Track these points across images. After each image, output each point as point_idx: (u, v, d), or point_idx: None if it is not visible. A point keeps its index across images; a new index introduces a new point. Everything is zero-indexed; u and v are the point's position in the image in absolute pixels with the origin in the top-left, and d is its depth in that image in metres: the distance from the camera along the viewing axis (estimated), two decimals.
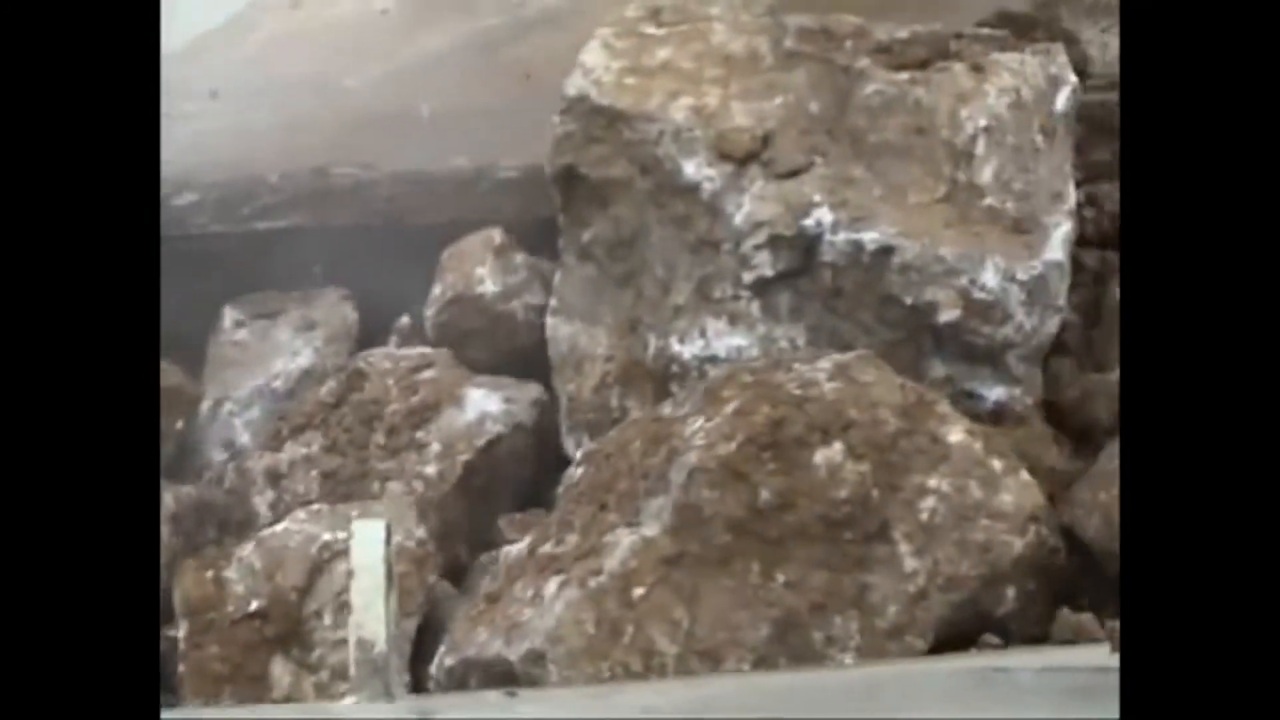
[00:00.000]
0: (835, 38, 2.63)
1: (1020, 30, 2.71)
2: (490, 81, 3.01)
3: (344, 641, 2.09)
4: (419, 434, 2.68)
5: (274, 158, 2.79)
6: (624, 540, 2.20)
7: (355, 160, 2.77)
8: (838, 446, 2.18)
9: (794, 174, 2.52)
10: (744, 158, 2.52)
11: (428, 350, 2.80)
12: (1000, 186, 2.52)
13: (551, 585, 2.21)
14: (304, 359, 2.86)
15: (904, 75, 2.57)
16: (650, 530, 2.20)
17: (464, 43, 3.12)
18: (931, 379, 2.51)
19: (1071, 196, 2.55)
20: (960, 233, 2.49)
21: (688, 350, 2.55)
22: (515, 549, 2.42)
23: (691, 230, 2.53)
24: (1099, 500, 2.34)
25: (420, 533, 2.48)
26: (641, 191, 2.56)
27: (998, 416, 2.52)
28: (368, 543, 1.78)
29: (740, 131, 2.52)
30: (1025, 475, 2.27)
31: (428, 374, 2.75)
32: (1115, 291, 2.64)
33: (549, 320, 2.71)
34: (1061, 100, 2.60)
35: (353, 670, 1.70)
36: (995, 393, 2.52)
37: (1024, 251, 2.48)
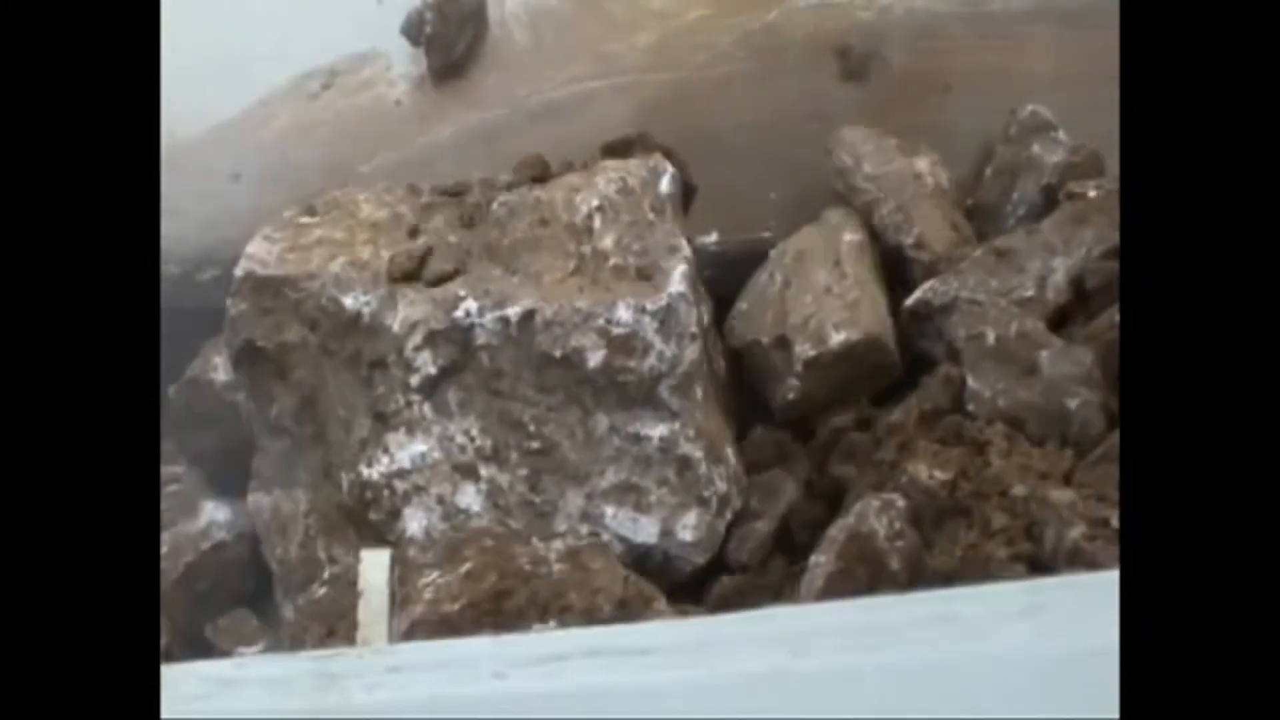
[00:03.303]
0: (466, 189, 2.94)
1: (621, 152, 3.00)
2: (493, 168, 3.09)
3: None
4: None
5: None
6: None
7: None
8: (551, 626, 2.29)
9: (441, 281, 2.75)
10: (403, 277, 2.74)
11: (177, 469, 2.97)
12: (621, 249, 2.78)
13: None
14: None
15: (524, 187, 2.88)
16: None
17: (470, 132, 3.30)
18: (598, 435, 2.70)
19: (685, 247, 2.80)
20: (592, 289, 2.72)
21: (375, 472, 2.70)
22: (247, 650, 2.56)
23: (361, 363, 2.73)
24: None
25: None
26: (314, 346, 2.76)
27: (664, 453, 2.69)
28: (375, 568, 2.05)
29: (399, 256, 2.76)
30: None
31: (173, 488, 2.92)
32: None
33: (250, 499, 2.87)
34: (665, 184, 2.91)
35: None
36: (658, 430, 2.70)
37: (650, 290, 2.72)
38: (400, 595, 2.35)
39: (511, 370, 2.70)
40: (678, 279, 2.74)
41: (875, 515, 2.45)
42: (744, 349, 2.94)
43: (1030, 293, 2.75)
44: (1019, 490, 2.41)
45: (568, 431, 2.70)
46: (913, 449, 2.59)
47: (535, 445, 2.71)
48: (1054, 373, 2.58)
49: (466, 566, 2.38)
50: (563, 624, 2.28)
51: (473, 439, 2.70)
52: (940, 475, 2.48)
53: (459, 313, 2.69)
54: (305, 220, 2.91)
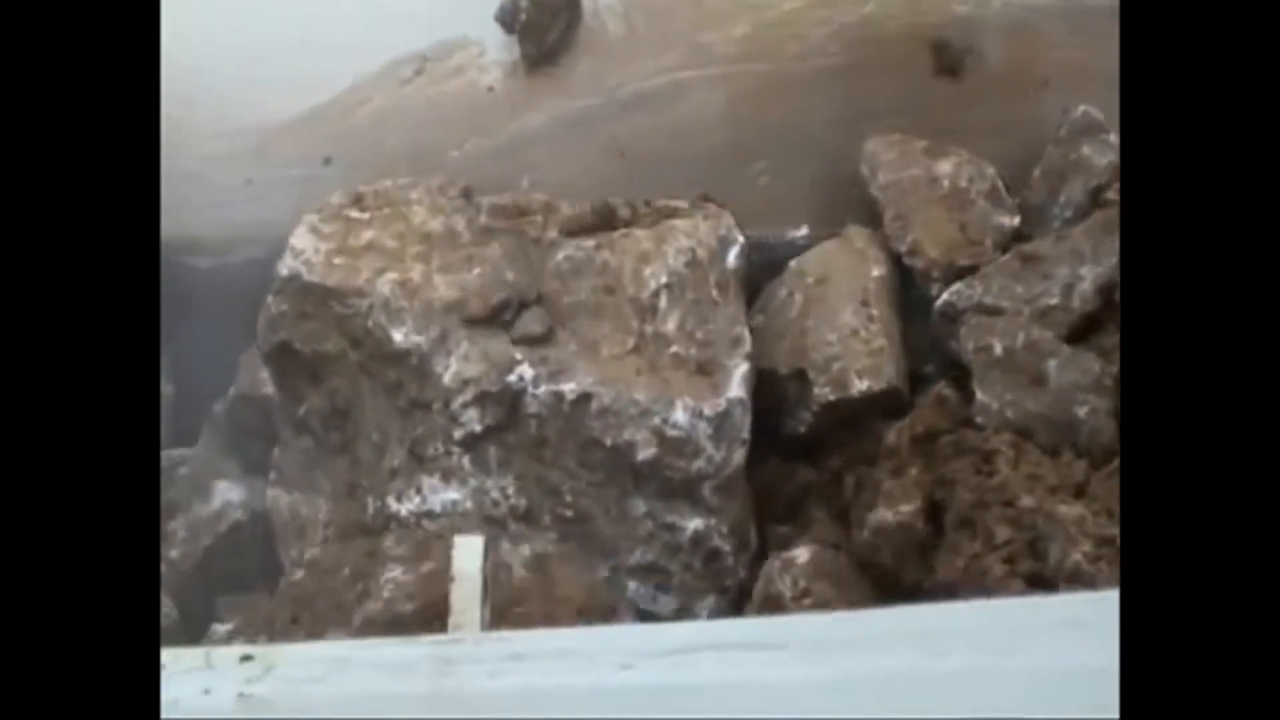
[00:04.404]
0: (526, 213, 2.84)
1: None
2: (585, 158, 3.15)
3: None
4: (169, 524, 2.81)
5: None
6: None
7: None
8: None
9: (496, 320, 2.69)
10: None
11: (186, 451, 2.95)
12: (684, 335, 2.71)
13: None
14: None
15: (590, 242, 2.78)
16: None
17: (563, 121, 3.25)
18: (633, 516, 2.66)
19: (747, 339, 2.73)
20: (651, 379, 2.65)
21: (405, 508, 2.66)
22: (218, 629, 2.50)
23: (403, 395, 2.66)
24: None
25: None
26: (354, 363, 2.69)
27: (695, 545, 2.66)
28: (468, 555, 1.95)
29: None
30: None
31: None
32: None
33: (269, 493, 2.83)
34: (732, 257, 2.83)
35: None
36: (693, 523, 2.66)
37: (709, 390, 2.65)
38: (362, 587, 2.34)
39: (556, 442, 2.65)
40: (737, 382, 2.68)
41: (779, 575, 2.50)
42: (759, 373, 2.85)
43: (1055, 300, 2.72)
44: (1026, 502, 2.41)
45: (604, 508, 2.67)
46: (877, 489, 2.59)
47: (569, 514, 2.67)
48: (1062, 381, 2.58)
49: (428, 567, 2.35)
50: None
51: (507, 497, 2.67)
52: (906, 509, 2.50)
53: (512, 376, 2.64)
54: (355, 215, 2.83)
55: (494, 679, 1.62)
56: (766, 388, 2.82)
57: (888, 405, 2.76)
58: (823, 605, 2.44)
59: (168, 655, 1.60)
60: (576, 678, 1.63)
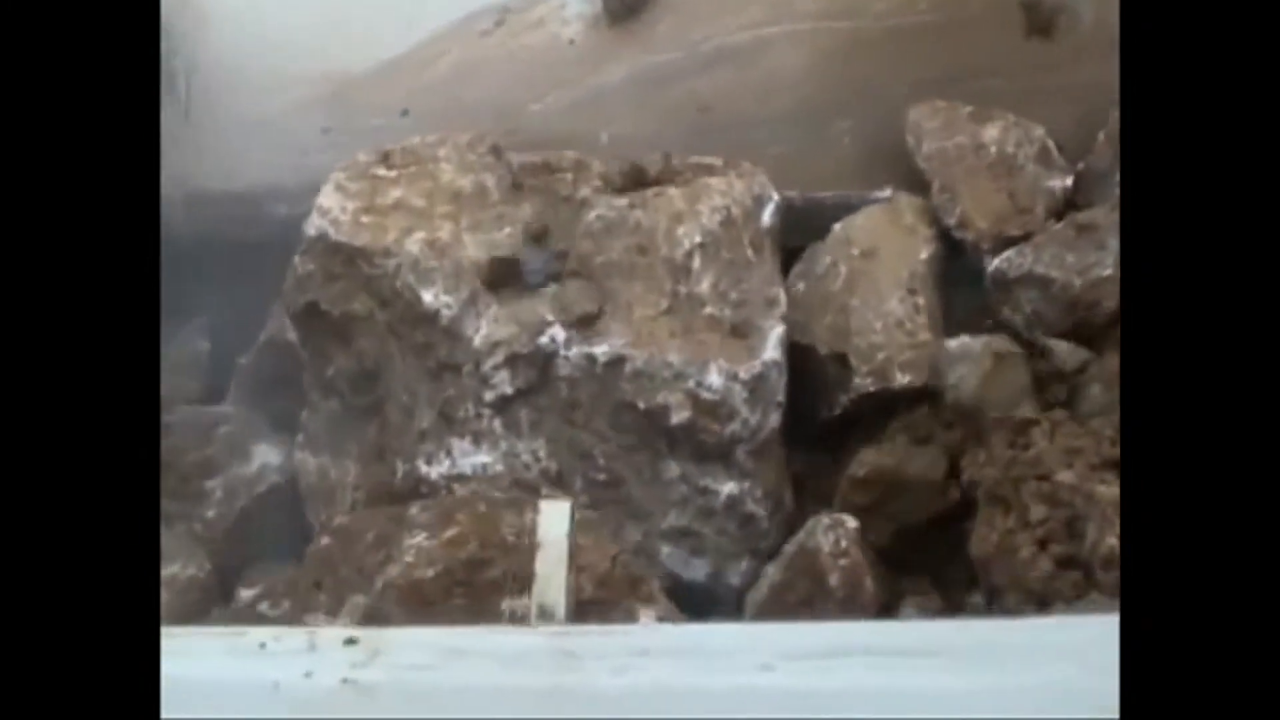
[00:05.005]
0: (556, 170, 2.78)
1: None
2: (667, 112, 3.13)
3: None
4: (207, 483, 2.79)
5: None
6: (317, 625, 2.22)
7: None
8: (526, 600, 2.12)
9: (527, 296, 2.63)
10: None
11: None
12: (718, 296, 2.63)
13: None
14: None
15: (623, 200, 2.70)
16: (341, 624, 2.22)
17: (644, 75, 3.23)
18: (666, 479, 2.59)
19: (782, 299, 2.65)
20: (685, 341, 2.58)
21: (434, 471, 2.61)
22: (244, 594, 2.48)
23: (432, 357, 2.61)
24: None
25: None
26: (382, 324, 2.65)
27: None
28: (554, 520, 1.90)
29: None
30: None
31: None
32: None
33: (297, 455, 2.79)
34: (768, 215, 2.74)
35: None
36: (727, 487, 2.58)
37: (744, 353, 2.58)
38: (385, 552, 2.31)
39: (589, 404, 2.59)
40: (773, 343, 2.60)
41: (823, 532, 2.45)
42: (792, 344, 2.77)
43: (1109, 271, 2.63)
44: (1064, 477, 2.32)
45: (636, 471, 2.60)
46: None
47: (601, 478, 2.61)
48: None
49: (451, 532, 2.29)
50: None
51: (539, 460, 2.60)
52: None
53: (544, 339, 2.58)
54: (382, 172, 2.77)
55: (619, 676, 1.53)
56: (804, 363, 2.74)
57: (924, 397, 2.69)
58: (854, 570, 2.41)
59: (268, 633, 1.55)
60: (710, 678, 1.53)
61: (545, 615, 1.78)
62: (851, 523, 2.46)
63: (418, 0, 3.36)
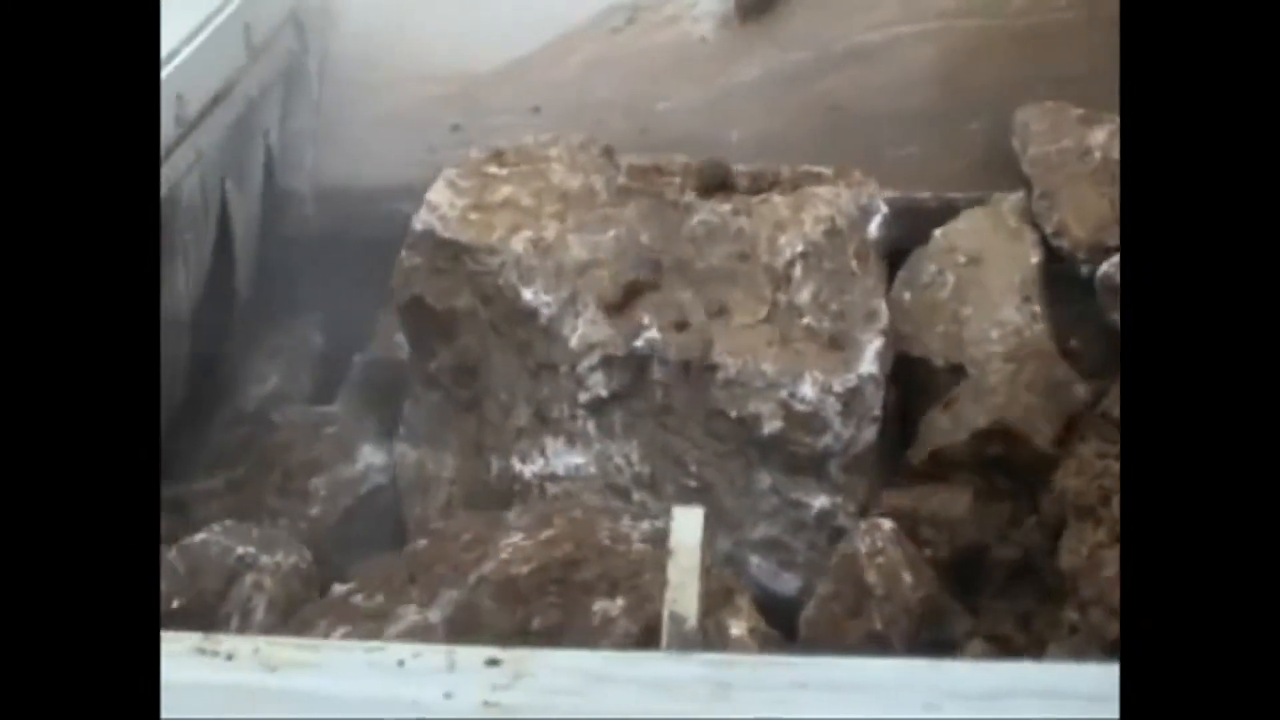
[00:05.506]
0: (664, 174, 2.77)
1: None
2: (797, 112, 3.14)
3: None
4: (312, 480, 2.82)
5: None
6: (408, 616, 2.25)
7: None
8: (619, 603, 2.18)
9: (628, 293, 2.62)
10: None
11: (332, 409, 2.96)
12: (818, 306, 2.60)
13: (335, 636, 2.25)
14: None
15: (727, 206, 2.69)
16: (434, 616, 2.24)
17: (774, 74, 3.23)
18: (758, 490, 2.57)
19: (884, 312, 2.61)
20: (781, 350, 2.56)
21: (529, 470, 2.63)
22: (338, 589, 2.47)
23: (531, 355, 2.63)
24: None
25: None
26: (484, 320, 2.66)
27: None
28: (687, 527, 1.87)
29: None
30: None
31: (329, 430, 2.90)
32: None
33: (397, 447, 2.81)
34: (874, 227, 2.70)
35: (665, 642, 1.71)
36: (819, 501, 2.56)
37: (840, 365, 2.55)
38: (482, 551, 2.30)
39: (682, 410, 2.58)
40: (870, 357, 2.56)
41: (860, 537, 2.42)
42: (905, 358, 2.75)
43: None
44: None
45: (728, 480, 2.58)
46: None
47: (693, 484, 2.59)
48: None
49: (549, 533, 2.30)
50: (633, 604, 2.16)
51: (631, 463, 2.61)
52: None
53: (639, 342, 2.57)
54: (493, 171, 2.79)
55: (776, 709, 1.47)
56: (915, 374, 2.71)
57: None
58: (891, 568, 2.38)
59: (407, 650, 1.53)
60: (870, 714, 1.47)
61: (676, 622, 1.75)
62: (888, 524, 2.43)
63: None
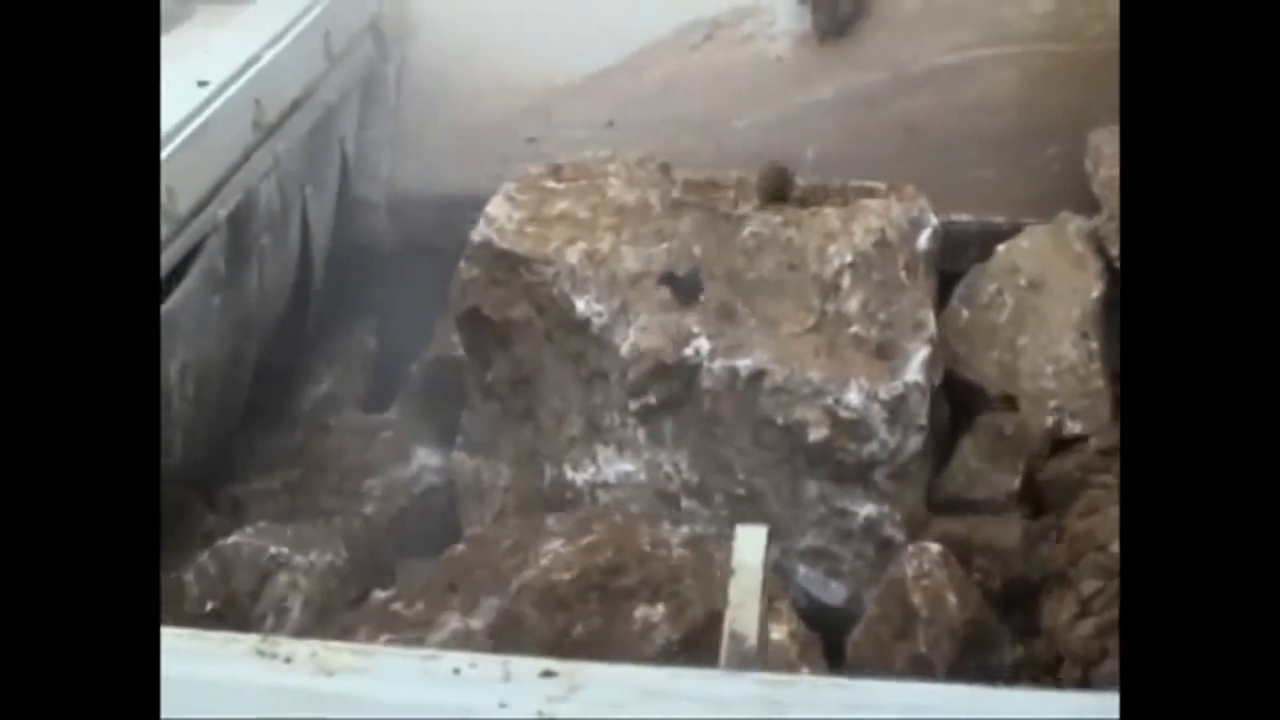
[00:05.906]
0: (719, 188, 2.79)
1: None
2: (873, 132, 3.16)
3: None
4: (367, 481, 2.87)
5: None
6: (450, 623, 2.27)
7: None
8: (660, 609, 2.20)
9: (677, 308, 2.65)
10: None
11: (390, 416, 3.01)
12: (866, 316, 2.62)
13: (379, 643, 2.25)
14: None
15: (778, 218, 2.71)
16: (476, 624, 2.27)
17: (851, 94, 3.26)
18: (805, 499, 2.59)
19: (931, 322, 2.63)
20: (828, 359, 2.58)
21: (580, 477, 2.67)
22: (380, 594, 2.50)
23: (584, 365, 2.67)
24: None
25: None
26: (539, 330, 2.70)
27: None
28: (750, 546, 1.84)
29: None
30: None
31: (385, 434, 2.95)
32: None
33: (454, 455, 2.86)
34: (924, 239, 2.72)
35: (723, 661, 1.69)
36: (865, 510, 2.58)
37: (886, 373, 2.56)
38: (523, 557, 2.31)
39: (731, 419, 2.60)
40: (916, 366, 2.57)
41: (908, 559, 2.42)
42: (958, 380, 2.78)
43: None
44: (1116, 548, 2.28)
45: (775, 488, 2.61)
46: None
47: (741, 492, 2.62)
48: None
49: (589, 539, 2.32)
50: (673, 611, 2.18)
51: (680, 471, 2.64)
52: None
53: (689, 350, 2.60)
54: (551, 185, 2.83)
55: None
56: (969, 400, 2.74)
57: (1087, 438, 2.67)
58: (937, 590, 2.38)
59: (463, 659, 1.52)
60: None
61: (737, 641, 1.73)
62: (935, 548, 2.43)
63: (627, 13, 3.39)
